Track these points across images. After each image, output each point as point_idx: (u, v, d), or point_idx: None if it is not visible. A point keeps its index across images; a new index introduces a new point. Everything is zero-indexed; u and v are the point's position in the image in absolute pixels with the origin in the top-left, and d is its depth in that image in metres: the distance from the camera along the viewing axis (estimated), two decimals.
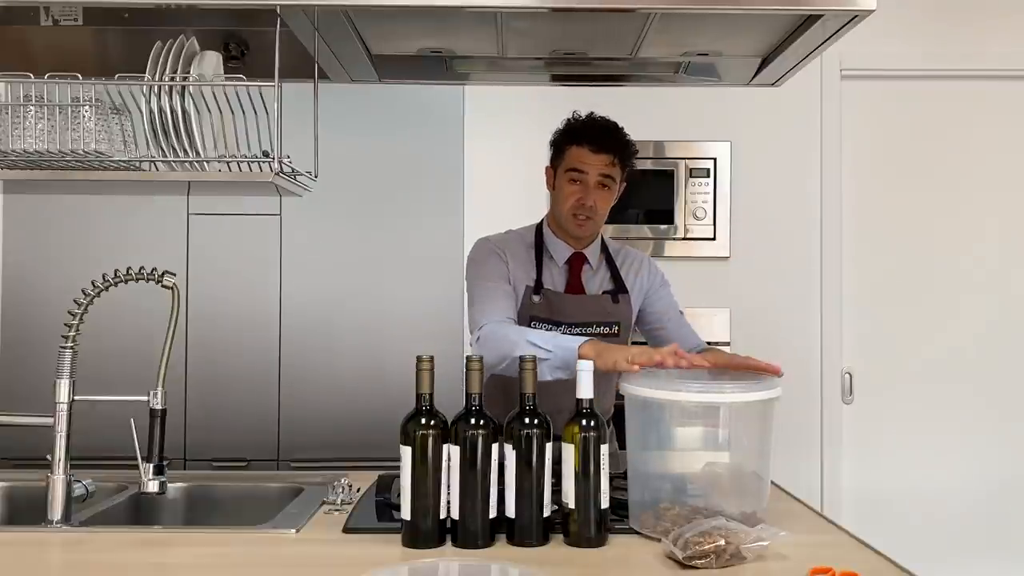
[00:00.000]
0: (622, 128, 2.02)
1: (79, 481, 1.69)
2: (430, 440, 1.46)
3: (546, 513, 1.48)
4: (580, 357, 1.65)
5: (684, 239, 3.17)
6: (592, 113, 2.04)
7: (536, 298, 2.00)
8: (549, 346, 1.74)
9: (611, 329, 2.02)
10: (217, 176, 1.75)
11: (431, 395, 1.49)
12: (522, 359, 1.51)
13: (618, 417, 1.99)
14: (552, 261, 2.06)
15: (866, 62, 3.19)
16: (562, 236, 2.07)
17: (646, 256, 2.18)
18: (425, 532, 1.46)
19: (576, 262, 2.06)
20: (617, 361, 1.63)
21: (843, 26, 1.62)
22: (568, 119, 2.05)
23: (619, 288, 2.07)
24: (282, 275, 2.87)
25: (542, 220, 2.12)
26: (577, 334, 1.94)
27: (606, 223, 2.11)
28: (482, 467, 1.46)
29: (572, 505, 1.47)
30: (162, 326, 1.71)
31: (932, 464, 3.19)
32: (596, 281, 2.08)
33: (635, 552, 1.45)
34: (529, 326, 1.97)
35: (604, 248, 2.12)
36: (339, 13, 1.63)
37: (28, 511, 1.81)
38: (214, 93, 1.70)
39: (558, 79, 2.21)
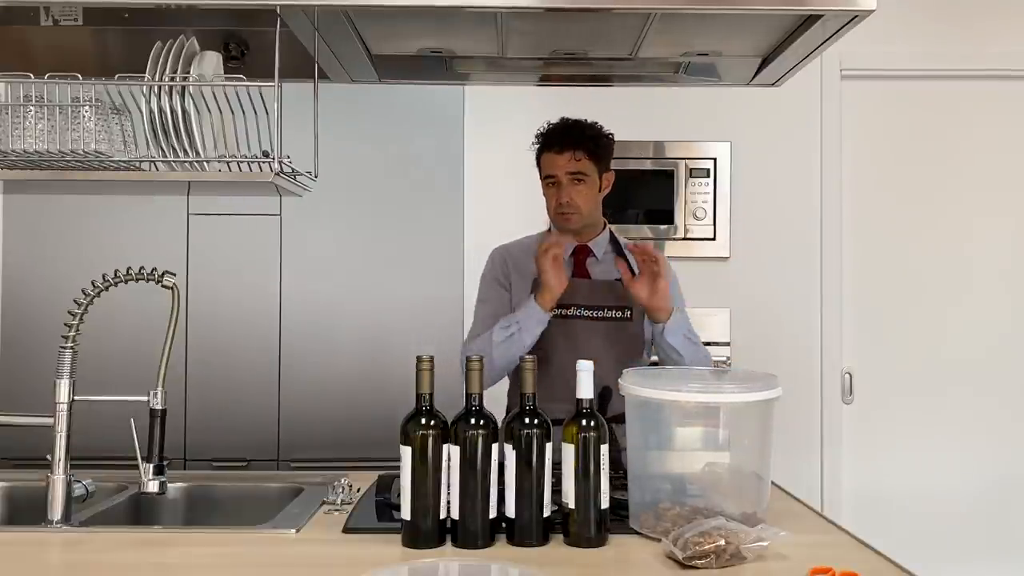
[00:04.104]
0: (590, 122, 2.08)
1: (79, 481, 1.69)
2: (430, 440, 1.46)
3: (546, 513, 1.48)
4: (539, 303, 1.95)
5: (684, 239, 3.17)
6: (563, 118, 2.10)
7: None
8: (511, 324, 1.97)
9: (623, 313, 2.06)
10: (217, 176, 1.75)
11: (431, 395, 1.49)
12: (522, 359, 1.52)
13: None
14: None
15: (866, 62, 3.19)
16: (566, 233, 2.13)
17: (659, 252, 2.20)
18: (425, 532, 1.46)
19: (581, 253, 2.13)
20: (548, 278, 1.93)
21: (843, 26, 1.62)
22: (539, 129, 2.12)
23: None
24: (282, 275, 2.87)
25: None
26: (588, 318, 2.03)
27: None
28: (482, 467, 1.46)
29: (572, 505, 1.47)
30: (162, 326, 1.71)
31: (932, 464, 3.19)
32: (603, 271, 2.12)
33: (635, 552, 1.45)
34: None
35: (614, 242, 2.17)
36: (339, 13, 1.63)
37: (28, 511, 1.81)
38: (214, 93, 1.70)
39: (558, 79, 2.21)
